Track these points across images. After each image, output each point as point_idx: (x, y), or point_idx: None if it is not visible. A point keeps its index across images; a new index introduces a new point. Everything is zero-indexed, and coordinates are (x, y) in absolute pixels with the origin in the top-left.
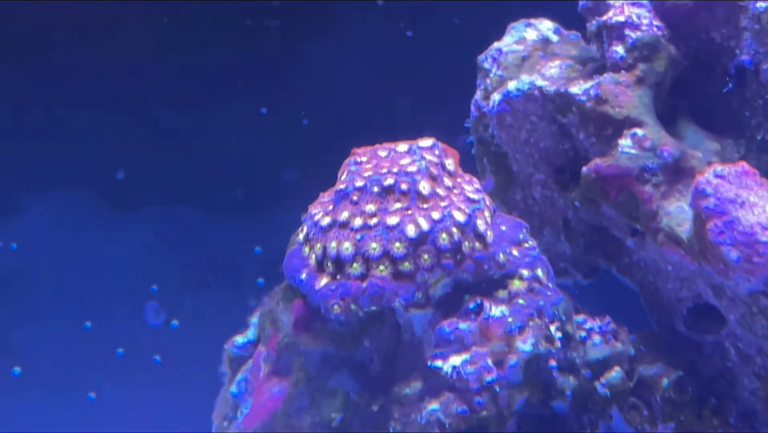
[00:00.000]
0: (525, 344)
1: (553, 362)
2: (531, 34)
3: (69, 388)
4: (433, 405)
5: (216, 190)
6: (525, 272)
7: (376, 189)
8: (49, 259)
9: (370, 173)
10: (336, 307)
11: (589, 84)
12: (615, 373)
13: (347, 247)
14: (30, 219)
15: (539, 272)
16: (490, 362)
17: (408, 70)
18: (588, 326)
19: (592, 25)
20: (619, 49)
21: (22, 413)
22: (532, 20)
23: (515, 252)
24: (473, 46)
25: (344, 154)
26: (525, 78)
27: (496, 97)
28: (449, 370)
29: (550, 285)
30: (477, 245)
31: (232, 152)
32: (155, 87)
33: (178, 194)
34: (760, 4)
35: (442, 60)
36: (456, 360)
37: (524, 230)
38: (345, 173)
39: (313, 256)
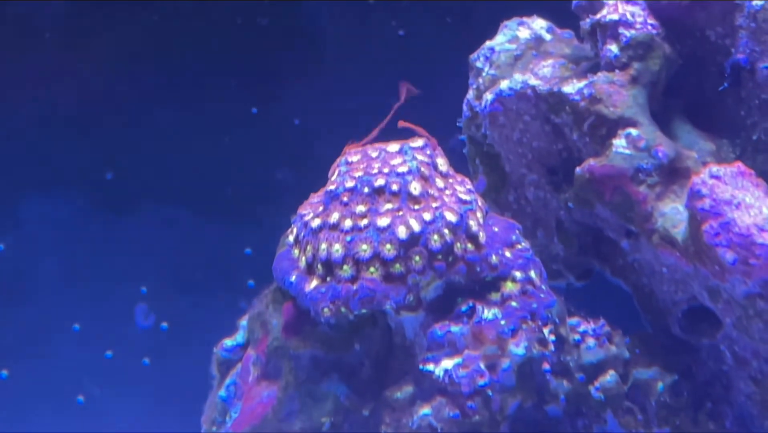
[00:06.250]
0: (518, 348)
1: (546, 366)
2: (524, 33)
3: (57, 391)
4: (425, 409)
5: (206, 190)
6: (518, 274)
7: (366, 190)
8: (37, 260)
9: (360, 174)
10: (326, 310)
11: (582, 83)
12: (609, 377)
13: (337, 249)
14: (17, 220)
15: (532, 274)
16: (482, 365)
17: (400, 69)
18: (582, 328)
19: (585, 23)
20: (613, 48)
21: (9, 417)
22: (525, 19)
23: (508, 254)
24: (465, 45)
25: (335, 153)
26: (518, 77)
27: (488, 96)
28: (441, 374)
29: (544, 287)
30: (469, 246)
31: (222, 152)
32: (145, 87)
33: (167, 195)
34: (756, 2)
35: (434, 59)
36: (448, 364)
37: (517, 231)
38: (335, 174)
39: (303, 258)
